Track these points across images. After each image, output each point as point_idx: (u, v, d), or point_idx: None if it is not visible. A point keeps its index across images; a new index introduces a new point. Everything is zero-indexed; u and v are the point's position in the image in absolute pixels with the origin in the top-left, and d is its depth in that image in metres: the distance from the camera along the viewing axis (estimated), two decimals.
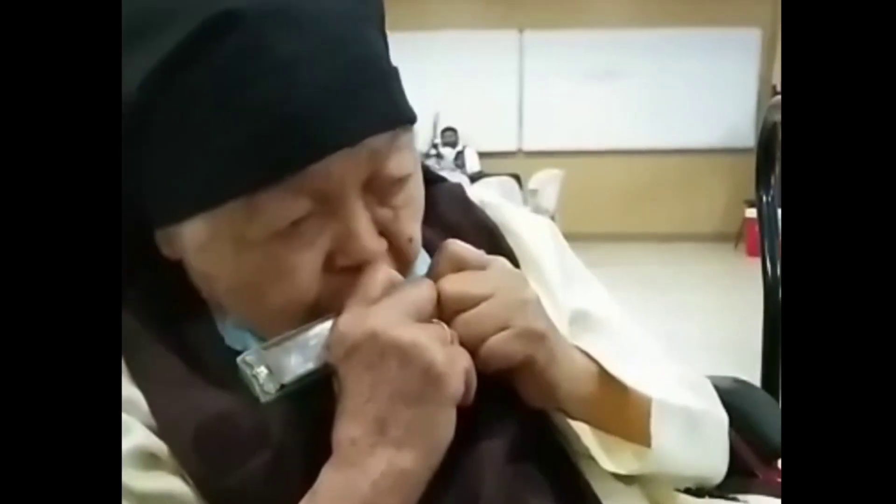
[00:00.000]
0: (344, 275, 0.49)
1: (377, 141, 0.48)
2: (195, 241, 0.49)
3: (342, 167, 0.47)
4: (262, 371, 0.46)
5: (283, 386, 0.47)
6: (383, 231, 0.50)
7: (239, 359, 0.46)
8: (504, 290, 0.51)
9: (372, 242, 0.49)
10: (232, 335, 0.54)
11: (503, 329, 0.49)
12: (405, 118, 0.50)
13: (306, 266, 0.48)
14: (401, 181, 0.51)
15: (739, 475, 0.63)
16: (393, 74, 0.51)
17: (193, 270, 0.52)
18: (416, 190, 0.53)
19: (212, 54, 0.44)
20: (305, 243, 0.48)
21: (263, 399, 0.46)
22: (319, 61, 0.45)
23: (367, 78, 0.47)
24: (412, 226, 0.52)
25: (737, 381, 0.91)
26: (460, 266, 0.51)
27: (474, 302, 0.50)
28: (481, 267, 0.52)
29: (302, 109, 0.45)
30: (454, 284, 0.50)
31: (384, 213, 0.50)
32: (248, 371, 0.46)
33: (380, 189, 0.50)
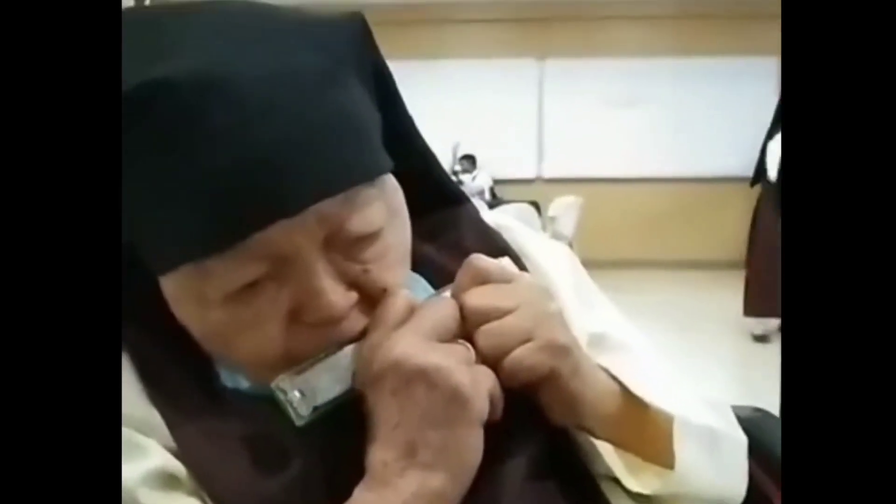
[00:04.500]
0: (315, 327, 0.48)
1: (326, 205, 0.46)
2: (168, 294, 0.50)
3: (286, 235, 0.45)
4: (295, 395, 0.47)
5: (316, 408, 0.47)
6: (354, 284, 0.49)
7: (273, 384, 0.47)
8: (528, 303, 0.50)
9: (337, 298, 0.48)
10: (225, 375, 0.54)
11: (527, 341, 0.49)
12: (364, 176, 0.48)
13: (269, 322, 0.48)
14: (369, 237, 0.49)
15: (756, 502, 0.63)
16: (356, 127, 0.48)
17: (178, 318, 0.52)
18: (392, 239, 0.51)
19: (142, 124, 0.43)
20: (266, 301, 0.48)
21: (298, 422, 0.47)
22: (255, 131, 0.44)
23: (313, 142, 0.45)
24: (387, 276, 0.50)
25: (756, 409, 0.90)
26: (484, 280, 0.51)
27: (498, 314, 0.49)
28: (505, 281, 0.52)
29: (234, 182, 0.44)
30: (477, 298, 0.50)
31: (353, 267, 0.49)
32: (282, 396, 0.47)
33: (344, 247, 0.48)
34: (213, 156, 0.44)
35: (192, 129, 0.43)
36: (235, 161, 0.44)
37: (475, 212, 0.66)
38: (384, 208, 0.50)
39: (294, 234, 0.46)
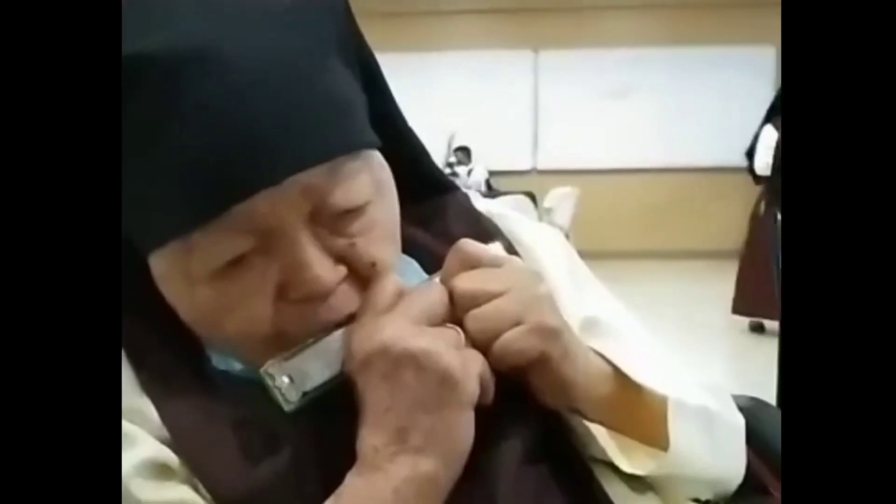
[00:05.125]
0: (303, 304, 0.48)
1: (309, 176, 0.46)
2: (157, 273, 0.50)
3: (270, 206, 0.45)
4: (284, 381, 0.47)
5: (305, 394, 0.47)
6: (342, 259, 0.49)
7: (262, 369, 0.47)
8: (518, 286, 0.50)
9: (324, 272, 0.47)
10: (216, 358, 0.54)
11: (517, 325, 0.49)
12: (347, 147, 0.48)
13: (256, 299, 0.48)
14: (355, 211, 0.49)
15: (754, 492, 0.63)
16: (339, 101, 0.48)
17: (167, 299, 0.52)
18: (378, 214, 0.51)
19: (127, 100, 0.44)
20: (252, 277, 0.47)
21: (287, 408, 0.47)
22: (237, 104, 0.44)
23: (296, 114, 0.45)
24: (374, 250, 0.50)
25: (753, 399, 0.90)
26: (473, 264, 0.51)
27: (487, 298, 0.49)
28: (495, 265, 0.52)
29: (216, 153, 0.44)
30: (466, 282, 0.50)
31: (339, 241, 0.49)
32: (270, 382, 0.47)
33: (329, 220, 0.48)
34: (195, 128, 0.44)
35: (175, 102, 0.44)
36: (217, 133, 0.44)
37: (465, 199, 0.66)
38: (369, 182, 0.50)
39: (278, 206, 0.46)
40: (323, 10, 0.50)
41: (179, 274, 0.48)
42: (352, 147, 0.49)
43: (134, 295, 0.49)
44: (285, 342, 0.48)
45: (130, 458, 0.48)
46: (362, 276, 0.50)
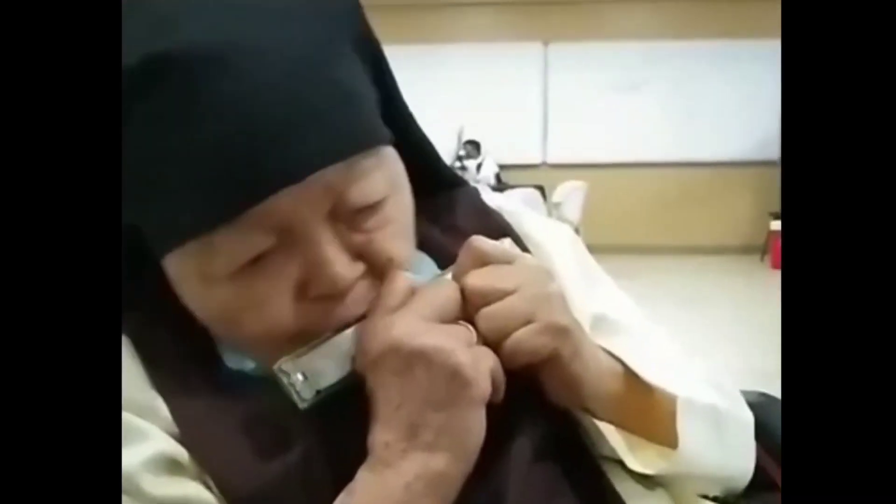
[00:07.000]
0: (322, 301, 0.48)
1: (329, 173, 0.46)
2: (172, 274, 0.50)
3: (292, 204, 0.46)
4: (298, 379, 0.47)
5: (319, 392, 0.48)
6: (360, 255, 0.49)
7: (275, 366, 0.47)
8: (529, 284, 0.50)
9: (343, 269, 0.48)
10: (229, 357, 0.54)
11: (528, 323, 0.49)
12: (366, 144, 0.49)
13: (276, 297, 0.48)
14: (371, 207, 0.49)
15: (763, 488, 0.63)
16: (355, 98, 0.49)
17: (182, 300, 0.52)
18: (394, 210, 0.51)
19: (145, 99, 0.44)
20: (272, 275, 0.48)
21: (302, 406, 0.47)
22: (259, 101, 0.44)
23: (314, 110, 0.46)
24: (391, 246, 0.50)
25: (762, 394, 0.90)
26: (484, 262, 0.51)
27: (498, 296, 0.49)
28: (506, 262, 0.52)
29: (241, 150, 0.44)
30: (478, 279, 0.50)
31: (357, 237, 0.49)
32: (284, 379, 0.47)
33: (348, 217, 0.49)
34: (218, 126, 0.44)
35: (196, 101, 0.44)
36: (240, 131, 0.44)
37: (475, 193, 0.66)
38: (385, 178, 0.50)
39: (300, 203, 0.46)
40: (337, 4, 0.50)
41: (197, 274, 0.48)
42: (370, 143, 0.49)
43: (147, 295, 0.50)
44: (303, 340, 0.48)
45: (141, 453, 0.48)
46: (378, 274, 0.50)
